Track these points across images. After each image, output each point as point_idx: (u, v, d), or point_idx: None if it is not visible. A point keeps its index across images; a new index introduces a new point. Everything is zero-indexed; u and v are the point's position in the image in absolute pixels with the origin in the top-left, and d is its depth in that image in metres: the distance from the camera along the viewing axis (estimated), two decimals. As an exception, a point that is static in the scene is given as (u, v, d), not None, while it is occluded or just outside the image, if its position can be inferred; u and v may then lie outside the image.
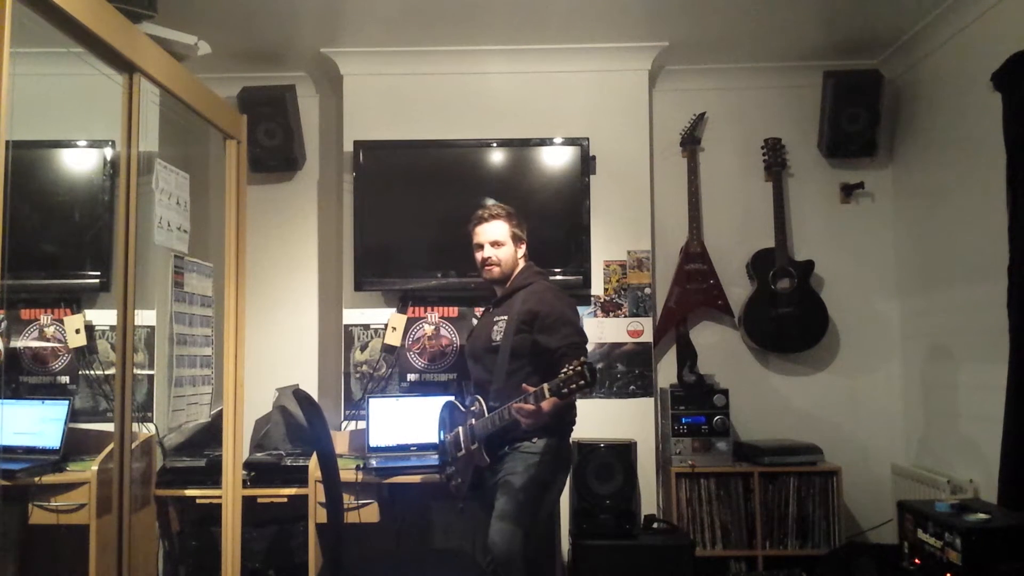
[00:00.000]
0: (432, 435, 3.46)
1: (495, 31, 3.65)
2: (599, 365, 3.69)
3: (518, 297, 2.65)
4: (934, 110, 3.61)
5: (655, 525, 3.39)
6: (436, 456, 3.01)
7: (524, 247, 2.77)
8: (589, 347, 3.27)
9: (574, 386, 2.20)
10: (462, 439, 2.68)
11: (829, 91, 3.77)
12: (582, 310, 3.37)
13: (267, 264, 3.90)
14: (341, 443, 3.58)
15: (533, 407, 2.33)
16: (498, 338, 2.60)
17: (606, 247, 3.76)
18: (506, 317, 2.62)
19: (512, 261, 2.72)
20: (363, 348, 3.75)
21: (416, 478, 3.16)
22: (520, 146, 3.72)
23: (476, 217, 2.74)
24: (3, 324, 3.37)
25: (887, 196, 3.97)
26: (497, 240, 2.69)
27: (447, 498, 3.45)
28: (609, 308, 3.78)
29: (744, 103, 4.01)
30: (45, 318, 3.42)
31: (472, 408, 2.65)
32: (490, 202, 2.78)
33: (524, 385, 2.37)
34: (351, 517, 3.07)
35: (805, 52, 3.85)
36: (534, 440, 2.57)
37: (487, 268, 2.71)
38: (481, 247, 2.71)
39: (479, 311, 3.76)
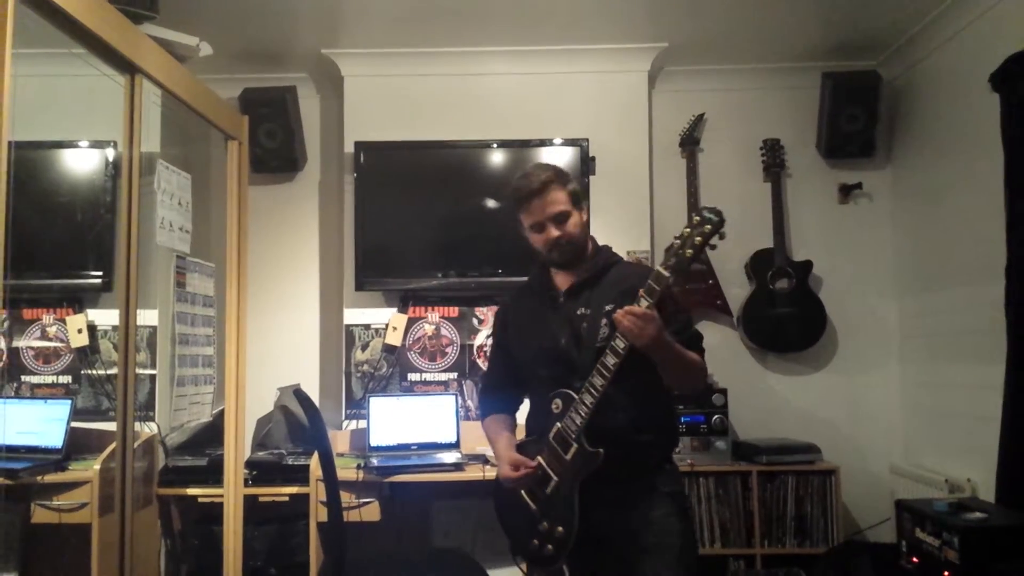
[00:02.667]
0: (432, 434, 3.50)
1: (495, 32, 3.66)
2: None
3: (608, 282, 2.03)
4: (932, 111, 3.62)
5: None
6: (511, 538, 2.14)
7: (587, 207, 2.13)
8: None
9: (699, 239, 1.73)
10: (549, 461, 1.96)
11: (827, 92, 3.78)
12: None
13: (268, 264, 3.91)
14: (342, 442, 3.59)
15: (635, 317, 1.76)
16: (601, 335, 1.93)
17: (606, 247, 3.76)
18: (605, 307, 1.96)
19: (583, 232, 2.06)
20: (364, 348, 3.76)
21: (417, 477, 3.17)
22: (520, 147, 3.73)
23: (521, 190, 2.02)
24: (6, 324, 3.38)
25: (885, 197, 3.98)
26: (561, 211, 2.00)
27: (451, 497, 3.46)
28: (609, 308, 3.78)
29: (743, 104, 4.02)
30: (47, 318, 3.43)
31: (555, 411, 1.96)
32: (530, 167, 2.07)
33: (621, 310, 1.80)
34: (352, 516, 3.07)
35: (804, 53, 3.85)
36: (667, 464, 2.02)
37: (558, 250, 2.01)
38: (542, 227, 2.01)
39: (479, 311, 3.77)
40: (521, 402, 2.26)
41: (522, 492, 2.01)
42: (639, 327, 1.77)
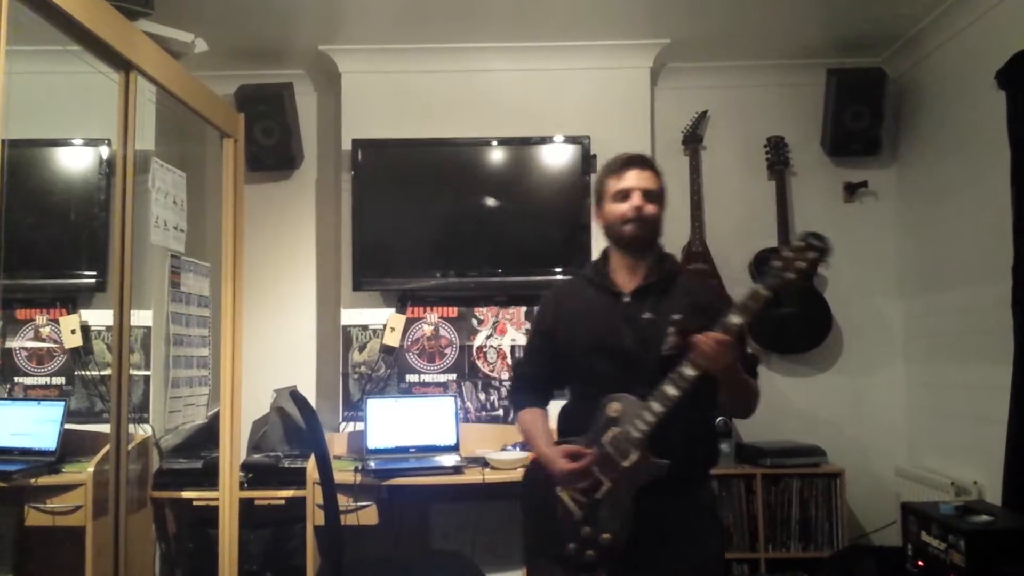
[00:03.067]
0: (431, 437, 3.47)
1: (495, 28, 3.62)
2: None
3: (677, 291, 1.99)
4: (938, 108, 3.59)
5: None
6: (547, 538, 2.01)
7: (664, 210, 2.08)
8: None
9: (803, 263, 1.70)
10: (601, 465, 1.88)
11: (832, 89, 3.75)
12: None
13: (264, 264, 3.88)
14: (339, 445, 3.56)
15: (719, 338, 1.73)
16: (668, 344, 1.89)
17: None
18: (672, 316, 1.92)
19: (659, 223, 2.02)
20: (361, 348, 3.73)
21: (415, 480, 3.14)
22: (520, 144, 3.70)
23: (620, 158, 2.03)
24: (-1, 324, 3.36)
25: (891, 195, 3.95)
26: (651, 189, 1.98)
27: (450, 500, 3.44)
28: (610, 308, 3.75)
29: (747, 101, 3.99)
30: (41, 318, 3.40)
31: (612, 414, 1.89)
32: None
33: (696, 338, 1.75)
34: (349, 519, 3.04)
35: (808, 50, 3.83)
36: (708, 481, 2.01)
37: (636, 223, 1.96)
38: (627, 195, 1.97)
39: (479, 311, 3.73)
40: (553, 397, 2.17)
41: (565, 494, 1.93)
42: (719, 352, 1.74)
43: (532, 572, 2.06)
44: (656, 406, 1.80)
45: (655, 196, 1.99)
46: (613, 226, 2.00)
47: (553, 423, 2.08)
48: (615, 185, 1.99)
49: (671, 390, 1.79)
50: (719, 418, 3.30)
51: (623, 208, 1.97)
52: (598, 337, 1.98)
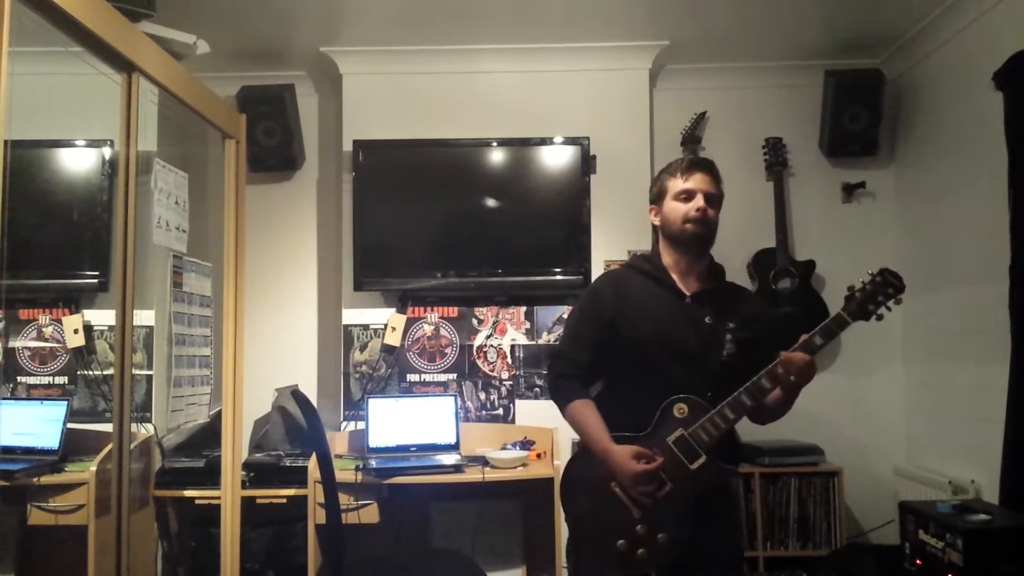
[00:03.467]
0: (431, 436, 3.48)
1: (495, 30, 3.64)
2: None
3: (730, 300, 2.05)
4: (935, 109, 3.60)
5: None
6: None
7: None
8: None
9: (882, 298, 1.89)
10: (665, 466, 1.89)
11: (830, 90, 3.76)
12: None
13: (266, 264, 3.89)
14: (340, 444, 3.57)
15: (808, 357, 1.85)
16: (728, 351, 1.98)
17: (607, 247, 3.75)
18: (728, 324, 2.00)
19: (716, 232, 2.05)
20: (362, 348, 3.74)
21: (416, 479, 3.15)
22: (520, 145, 3.71)
23: (680, 162, 2.06)
24: (2, 324, 3.37)
25: (888, 196, 3.96)
26: (714, 193, 2.03)
27: (450, 499, 3.44)
28: (609, 308, 3.76)
29: (745, 102, 4.00)
30: (43, 318, 3.41)
31: (678, 415, 1.92)
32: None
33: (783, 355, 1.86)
34: (351, 518, 3.06)
35: (806, 51, 3.84)
36: (733, 478, 2.05)
37: (698, 224, 1.99)
38: (691, 195, 2.00)
39: (479, 311, 3.75)
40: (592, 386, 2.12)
41: (622, 489, 1.92)
42: (807, 371, 1.87)
43: (579, 565, 2.05)
44: (729, 413, 1.89)
45: (716, 201, 2.03)
46: (673, 224, 2.02)
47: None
48: (679, 185, 2.02)
49: (747, 399, 1.89)
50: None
51: (686, 208, 2.00)
52: (664, 332, 1.98)
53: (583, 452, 2.04)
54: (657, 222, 2.08)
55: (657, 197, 2.07)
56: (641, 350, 1.99)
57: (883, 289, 1.87)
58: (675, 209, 2.01)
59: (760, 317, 2.03)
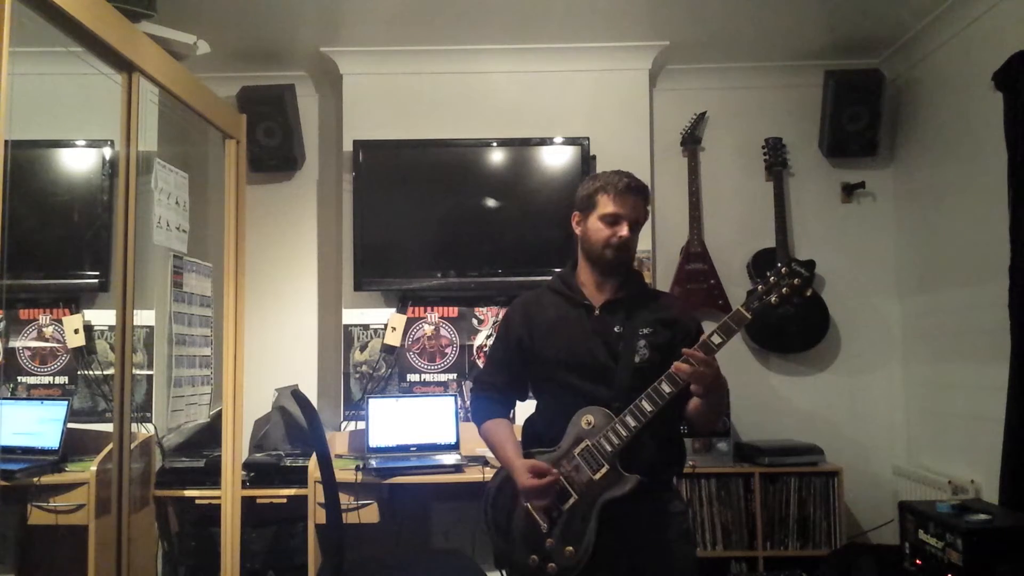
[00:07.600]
0: (431, 436, 3.48)
1: (495, 30, 3.64)
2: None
3: (645, 306, 2.02)
4: (935, 110, 3.60)
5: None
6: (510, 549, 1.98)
7: None
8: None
9: (786, 290, 1.79)
10: (570, 477, 1.89)
11: (830, 91, 3.76)
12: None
13: (266, 264, 3.89)
14: (341, 444, 3.57)
15: (705, 356, 1.78)
16: (641, 357, 1.93)
17: (606, 247, 3.75)
18: (641, 330, 1.96)
19: (634, 255, 2.06)
20: (363, 348, 3.74)
21: (416, 479, 3.15)
22: (520, 145, 3.71)
23: (622, 181, 1.99)
24: (2, 324, 3.37)
25: (888, 196, 3.96)
26: (640, 220, 2.01)
27: (450, 499, 3.45)
28: (609, 308, 3.76)
29: (745, 102, 4.00)
30: (44, 318, 3.41)
31: (585, 426, 1.90)
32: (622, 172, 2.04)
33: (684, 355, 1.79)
34: (351, 518, 3.06)
35: (806, 51, 3.84)
36: (673, 482, 2.00)
37: (617, 251, 1.98)
38: (617, 220, 1.97)
39: (479, 311, 3.75)
40: (515, 407, 2.17)
41: (530, 504, 1.91)
42: (703, 372, 1.78)
43: None
44: (630, 421, 1.83)
45: (639, 227, 2.01)
46: (595, 245, 2.00)
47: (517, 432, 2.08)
48: (606, 207, 1.97)
49: (647, 405, 1.83)
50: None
51: (610, 232, 1.97)
52: (569, 349, 1.98)
53: (503, 469, 2.04)
54: (578, 232, 2.05)
55: (583, 206, 2.03)
56: (551, 369, 2.00)
57: (787, 280, 1.80)
58: (599, 230, 1.98)
59: (678, 320, 1.98)
